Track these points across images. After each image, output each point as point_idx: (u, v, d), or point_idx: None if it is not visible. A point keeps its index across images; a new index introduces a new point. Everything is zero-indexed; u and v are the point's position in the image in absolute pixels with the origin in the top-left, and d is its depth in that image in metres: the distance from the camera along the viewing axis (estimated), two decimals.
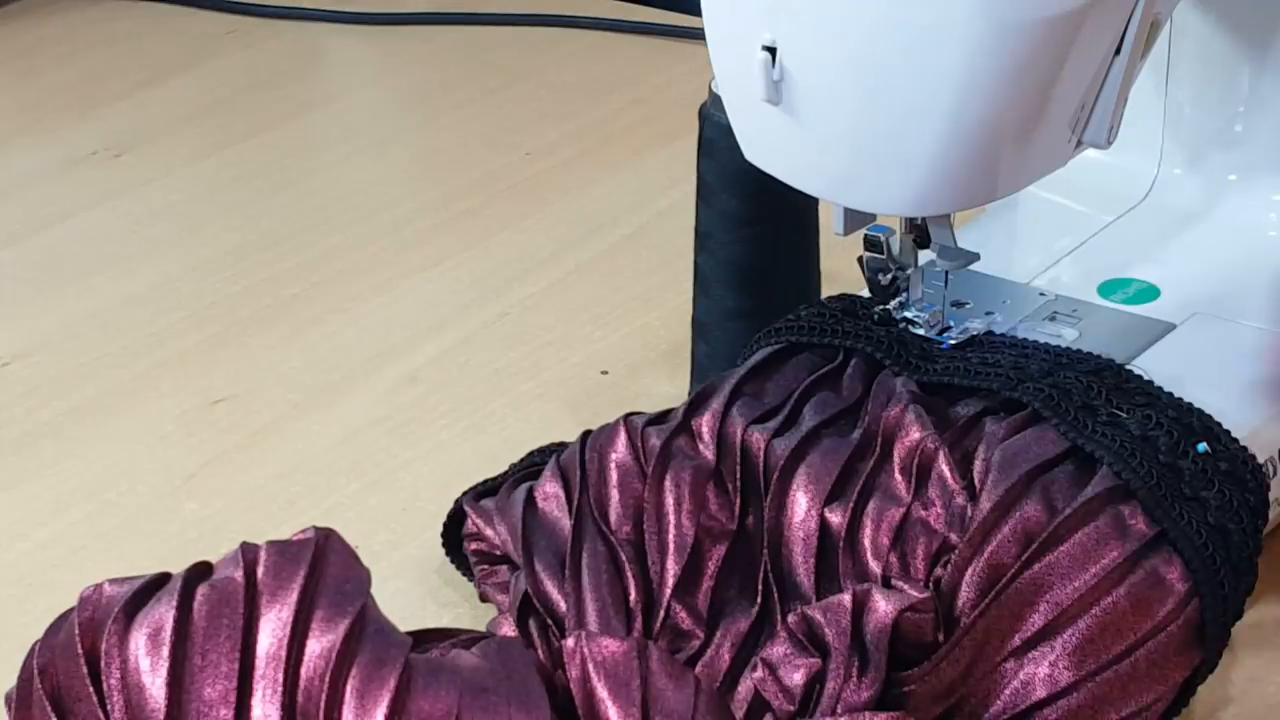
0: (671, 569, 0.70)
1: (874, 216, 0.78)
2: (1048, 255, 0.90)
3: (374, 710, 0.58)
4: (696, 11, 0.74)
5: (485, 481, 0.80)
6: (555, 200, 1.16)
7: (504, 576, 0.76)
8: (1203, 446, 0.71)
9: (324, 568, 0.61)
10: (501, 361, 0.99)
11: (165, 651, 0.58)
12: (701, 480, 0.72)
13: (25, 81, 1.39)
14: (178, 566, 0.84)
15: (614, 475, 0.73)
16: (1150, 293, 0.87)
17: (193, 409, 0.96)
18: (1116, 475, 0.68)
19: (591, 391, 0.94)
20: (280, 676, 0.58)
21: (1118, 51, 0.71)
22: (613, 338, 1.00)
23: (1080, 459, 0.70)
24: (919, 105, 0.68)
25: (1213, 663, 0.69)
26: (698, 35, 0.82)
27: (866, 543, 0.69)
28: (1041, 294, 0.85)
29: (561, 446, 0.78)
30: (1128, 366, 0.77)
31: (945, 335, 0.79)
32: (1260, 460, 0.73)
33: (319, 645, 0.59)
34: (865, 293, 0.81)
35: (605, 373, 0.97)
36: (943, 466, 0.69)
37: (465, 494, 0.80)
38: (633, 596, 0.70)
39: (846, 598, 0.64)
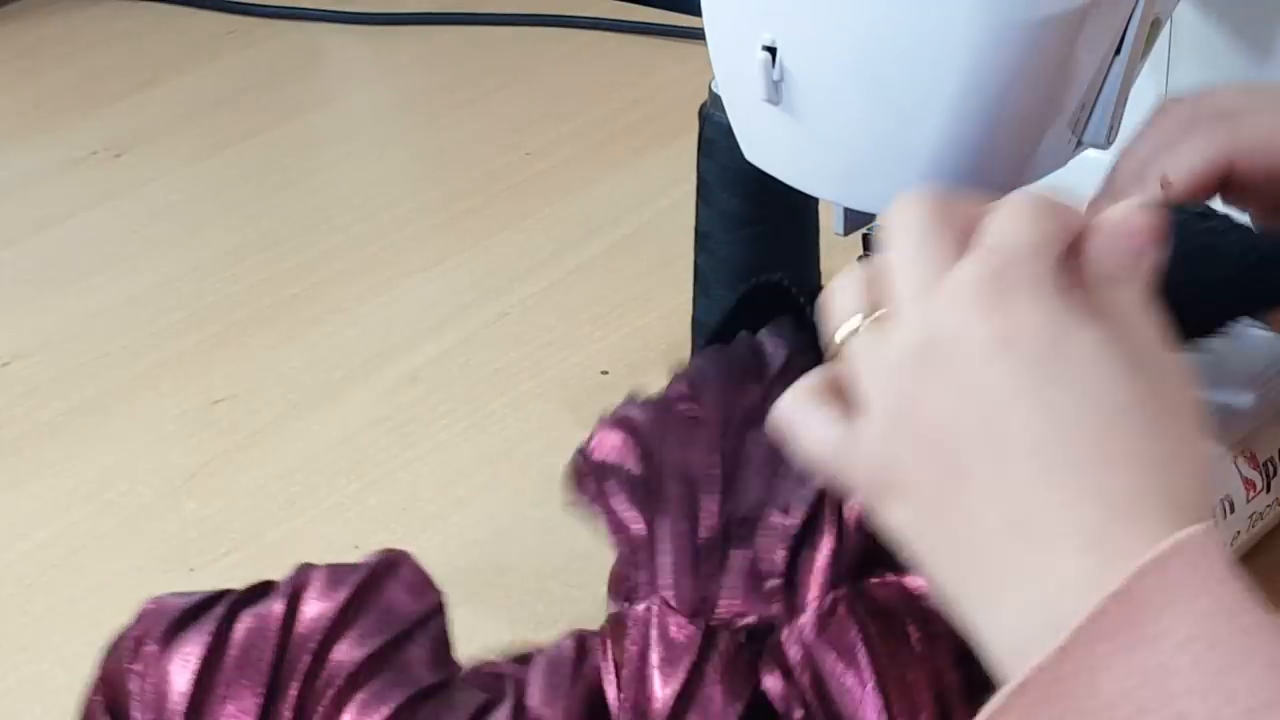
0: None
1: (874, 216, 0.78)
2: None
3: None
4: (696, 11, 0.74)
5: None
6: (555, 200, 1.16)
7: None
8: None
9: (372, 592, 0.62)
10: (501, 361, 0.99)
11: (192, 678, 0.59)
12: None
13: (25, 81, 1.39)
14: (178, 566, 0.85)
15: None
16: None
17: (193, 409, 0.96)
18: None
19: (591, 391, 0.94)
20: (295, 696, 0.59)
21: (1118, 51, 0.71)
22: (613, 338, 1.00)
23: None
24: (919, 105, 0.68)
25: None
26: (698, 35, 0.82)
27: None
28: None
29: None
30: None
31: None
32: (1260, 460, 0.73)
33: (337, 667, 0.60)
34: None
35: (605, 373, 0.97)
36: None
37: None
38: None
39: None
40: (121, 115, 1.31)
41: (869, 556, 0.64)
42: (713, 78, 0.79)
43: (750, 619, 0.63)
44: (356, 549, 0.85)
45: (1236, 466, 0.75)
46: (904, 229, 0.56)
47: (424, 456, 0.91)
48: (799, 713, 0.61)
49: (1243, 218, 0.73)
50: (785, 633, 0.62)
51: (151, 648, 0.60)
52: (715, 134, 0.86)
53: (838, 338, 0.56)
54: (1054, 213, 0.55)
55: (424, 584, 0.63)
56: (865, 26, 0.68)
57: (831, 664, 0.61)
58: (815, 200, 0.86)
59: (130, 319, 1.05)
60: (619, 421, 0.70)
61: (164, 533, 0.87)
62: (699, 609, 0.64)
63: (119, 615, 0.81)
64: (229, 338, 1.03)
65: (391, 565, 0.63)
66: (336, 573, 0.62)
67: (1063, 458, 0.50)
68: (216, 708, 0.59)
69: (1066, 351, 0.51)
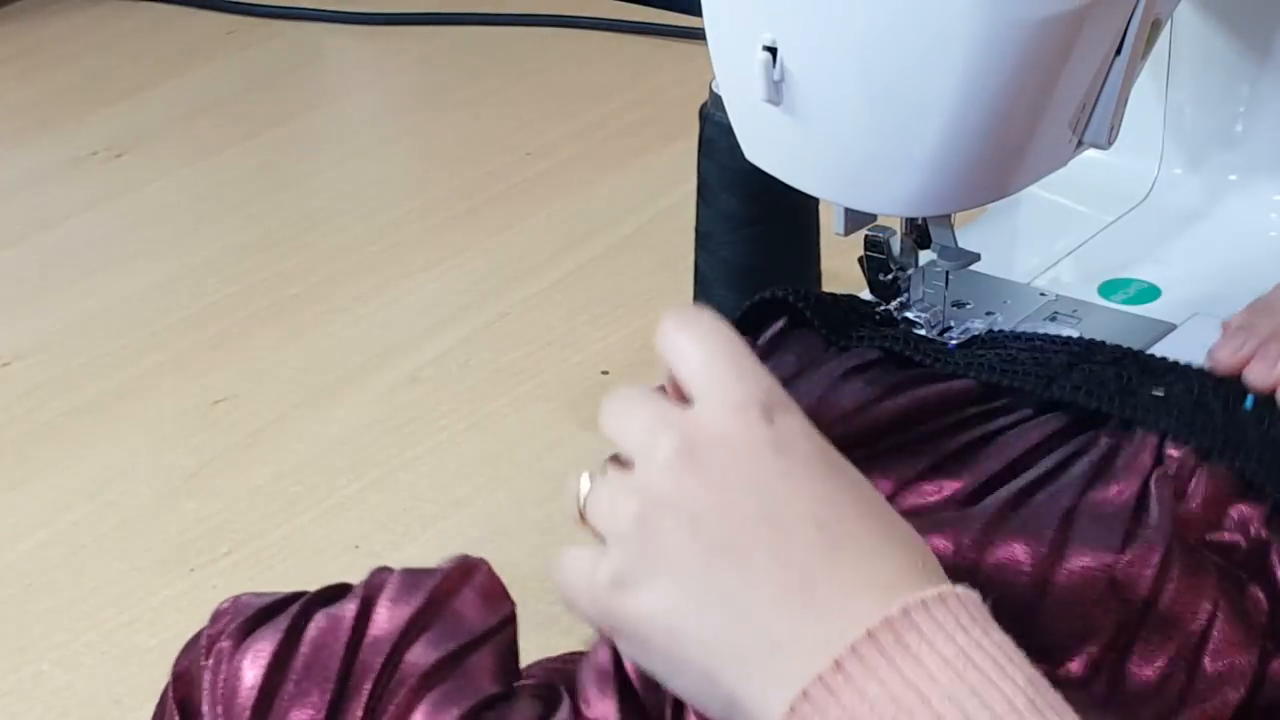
0: None
1: (874, 217, 0.78)
2: (1048, 255, 0.90)
3: None
4: (696, 11, 0.74)
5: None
6: (555, 200, 1.16)
7: None
8: (1250, 400, 0.70)
9: (448, 598, 0.62)
10: (501, 361, 0.99)
11: (262, 673, 0.59)
12: None
13: (25, 81, 1.39)
14: (178, 566, 0.85)
15: None
16: (1151, 293, 0.87)
17: (193, 409, 0.96)
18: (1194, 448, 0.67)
19: (591, 391, 0.94)
20: (366, 697, 0.59)
21: (1118, 52, 0.71)
22: (613, 338, 1.00)
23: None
24: (920, 105, 0.68)
25: None
26: (698, 35, 0.82)
27: None
28: (1042, 294, 0.85)
29: None
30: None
31: (947, 335, 0.79)
32: None
33: (407, 672, 0.60)
34: (866, 293, 0.81)
35: (605, 373, 0.97)
36: None
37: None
38: None
39: None
40: (121, 115, 1.31)
41: None
42: (713, 78, 0.79)
43: None
44: (357, 549, 0.85)
45: None
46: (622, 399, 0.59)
47: (424, 456, 0.91)
48: None
49: None
50: None
51: (225, 644, 0.61)
52: (715, 134, 0.86)
53: (579, 505, 0.59)
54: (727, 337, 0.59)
55: (498, 593, 0.64)
56: (865, 27, 0.68)
57: None
58: (815, 200, 0.86)
59: (130, 319, 1.05)
60: None
61: (164, 533, 0.87)
62: None
63: (119, 615, 0.82)
64: (229, 338, 1.03)
65: (468, 572, 0.63)
66: (412, 577, 0.62)
67: (846, 533, 0.55)
68: (286, 704, 0.59)
69: (833, 456, 0.57)
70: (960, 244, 0.78)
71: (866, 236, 0.79)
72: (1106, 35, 0.70)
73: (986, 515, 0.65)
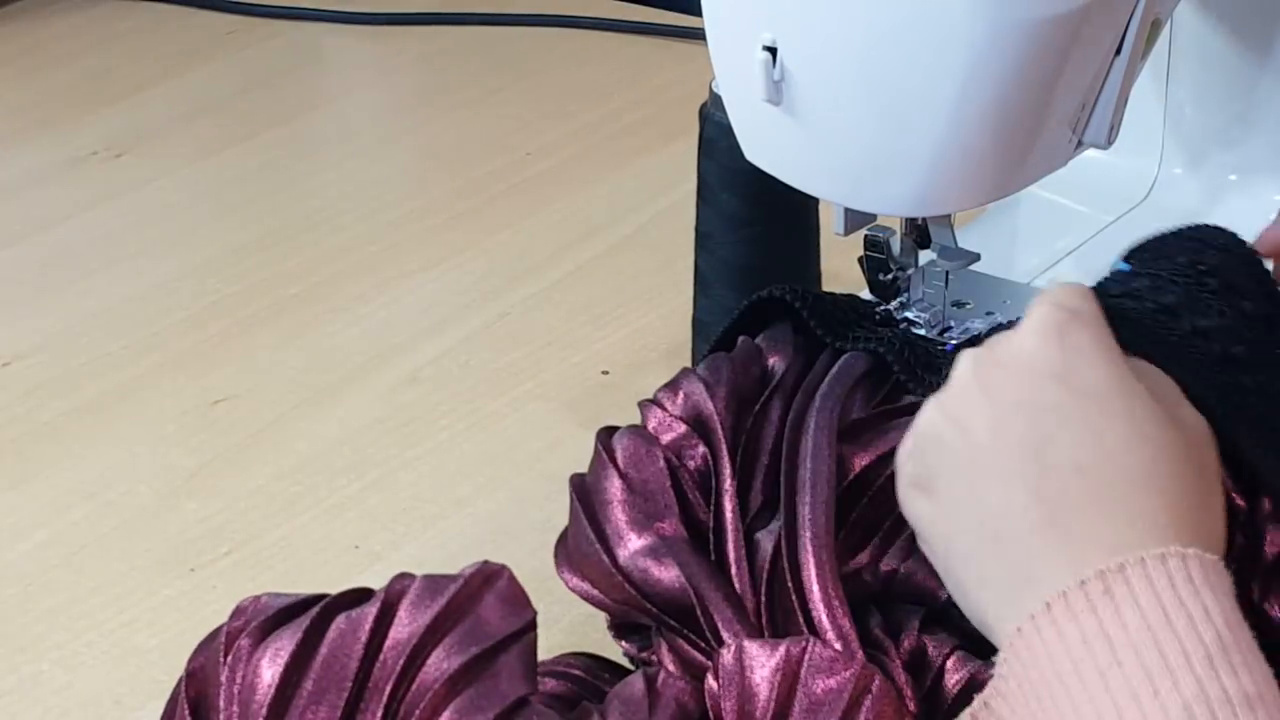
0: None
1: (874, 216, 0.78)
2: (1048, 255, 0.90)
3: None
4: (696, 11, 0.74)
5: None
6: (555, 200, 1.16)
7: None
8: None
9: (470, 604, 0.62)
10: (501, 361, 0.99)
11: (280, 672, 0.59)
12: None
13: (25, 81, 1.39)
14: (178, 566, 0.85)
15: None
16: None
17: (193, 409, 0.96)
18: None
19: (591, 391, 0.94)
20: (385, 700, 0.59)
21: (1118, 52, 0.71)
22: (613, 338, 1.00)
23: None
24: (920, 105, 0.68)
25: None
26: (698, 35, 0.82)
27: None
28: None
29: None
30: None
31: (947, 335, 0.79)
32: None
33: (429, 676, 0.60)
34: (865, 293, 0.81)
35: (605, 373, 0.97)
36: None
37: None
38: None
39: None
40: (121, 115, 1.31)
41: None
42: (713, 78, 0.79)
43: None
44: (357, 549, 0.85)
45: None
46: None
47: (424, 456, 0.91)
48: None
49: None
50: None
51: (245, 642, 0.61)
52: (715, 134, 0.86)
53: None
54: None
55: (519, 600, 0.63)
56: (866, 26, 0.68)
57: None
58: (815, 200, 0.86)
59: (130, 319, 1.05)
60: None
61: (164, 533, 0.87)
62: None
63: (119, 615, 0.82)
64: (229, 338, 1.03)
65: (489, 578, 0.63)
66: (433, 582, 0.62)
67: (1103, 482, 0.56)
68: (303, 704, 0.59)
69: (1117, 393, 0.58)
70: (960, 244, 0.78)
71: (866, 236, 0.79)
72: (1106, 35, 0.70)
73: None
